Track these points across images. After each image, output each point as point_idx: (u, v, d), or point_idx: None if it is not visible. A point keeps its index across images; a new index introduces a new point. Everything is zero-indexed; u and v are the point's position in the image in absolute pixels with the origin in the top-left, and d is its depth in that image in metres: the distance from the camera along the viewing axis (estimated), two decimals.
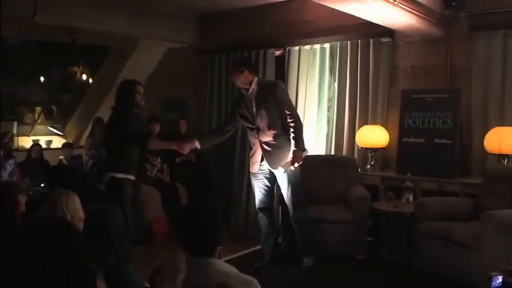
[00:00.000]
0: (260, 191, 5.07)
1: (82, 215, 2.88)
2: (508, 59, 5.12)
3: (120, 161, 4.44)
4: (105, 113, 8.62)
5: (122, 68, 8.20)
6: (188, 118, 7.29)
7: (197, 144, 4.79)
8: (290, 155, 4.84)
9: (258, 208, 5.15)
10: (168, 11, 6.65)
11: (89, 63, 8.77)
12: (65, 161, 7.63)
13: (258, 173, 5.02)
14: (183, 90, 7.56)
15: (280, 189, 5.05)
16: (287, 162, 4.82)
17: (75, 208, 2.88)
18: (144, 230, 5.92)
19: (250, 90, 4.85)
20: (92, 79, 8.91)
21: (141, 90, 4.48)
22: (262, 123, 4.83)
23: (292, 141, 4.82)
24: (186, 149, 4.70)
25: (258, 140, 4.89)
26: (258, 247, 5.58)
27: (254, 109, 4.85)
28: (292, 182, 4.90)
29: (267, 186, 5.05)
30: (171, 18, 6.85)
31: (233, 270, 2.15)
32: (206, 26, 7.23)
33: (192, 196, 6.48)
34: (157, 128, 6.91)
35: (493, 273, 1.88)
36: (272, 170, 4.92)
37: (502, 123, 5.08)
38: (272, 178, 5.01)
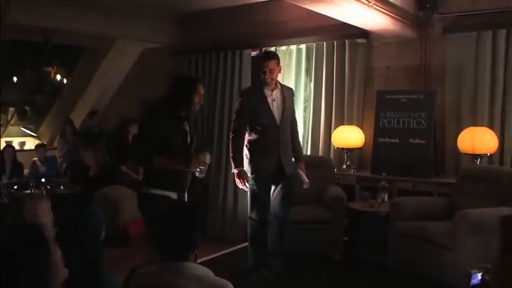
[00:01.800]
0: (266, 196, 4.69)
1: (49, 218, 2.79)
2: (480, 60, 5.18)
3: (156, 173, 3.75)
4: (80, 113, 8.59)
5: (97, 68, 8.13)
6: None
7: (205, 159, 3.88)
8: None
9: (265, 219, 4.69)
10: (144, 11, 6.60)
11: (64, 63, 8.66)
12: (38, 163, 7.50)
13: (268, 176, 4.66)
14: (160, 90, 7.48)
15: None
16: (305, 176, 4.72)
17: (39, 212, 2.78)
18: (119, 232, 5.86)
19: (275, 90, 4.63)
20: (67, 79, 8.80)
21: (202, 90, 3.95)
22: (285, 124, 4.68)
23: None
24: (193, 166, 3.79)
25: (277, 140, 4.61)
26: (235, 248, 5.58)
27: (282, 108, 4.63)
28: (294, 192, 4.79)
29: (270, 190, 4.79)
30: (147, 18, 6.80)
31: (208, 273, 2.14)
32: (183, 26, 7.20)
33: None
34: (134, 129, 6.83)
35: (472, 271, 1.89)
36: (286, 174, 4.66)
37: (475, 124, 5.14)
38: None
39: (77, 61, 8.57)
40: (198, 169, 3.78)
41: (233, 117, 4.75)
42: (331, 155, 5.95)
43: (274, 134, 4.59)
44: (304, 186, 4.68)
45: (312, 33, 6.01)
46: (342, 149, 5.76)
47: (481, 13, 5.15)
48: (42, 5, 5.66)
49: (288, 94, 4.75)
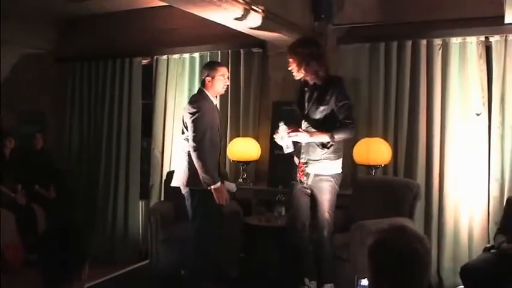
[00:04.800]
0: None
1: None
2: (374, 72, 5.48)
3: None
4: None
5: None
6: (46, 132, 7.03)
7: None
8: None
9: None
10: (23, 14, 6.38)
11: None
12: None
13: None
14: (41, 101, 7.28)
15: None
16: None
17: None
18: None
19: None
20: None
21: None
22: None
23: None
24: None
25: (220, 150, 4.77)
26: (124, 270, 5.51)
27: (219, 118, 4.81)
28: None
29: None
30: (25, 22, 6.57)
31: None
32: (67, 31, 7.05)
33: (51, 218, 6.26)
34: (11, 143, 6.59)
35: (359, 275, 2.05)
36: None
37: (370, 135, 5.41)
38: None
39: None
40: None
41: (193, 128, 4.41)
42: (227, 169, 6.04)
43: (219, 145, 4.69)
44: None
45: (206, 41, 6.10)
46: (238, 161, 5.87)
47: (373, 25, 5.46)
48: None
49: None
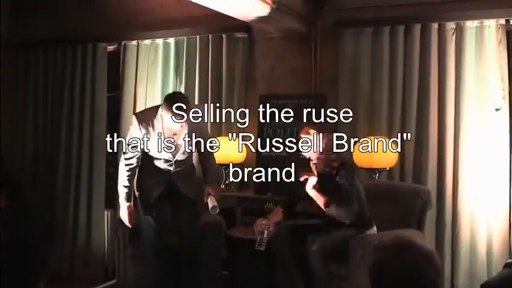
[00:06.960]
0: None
1: None
2: (377, 61, 5.44)
3: None
4: None
5: None
6: None
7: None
8: None
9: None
10: None
11: None
12: None
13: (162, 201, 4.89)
14: None
15: None
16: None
17: None
18: None
19: None
20: None
21: None
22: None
23: None
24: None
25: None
26: None
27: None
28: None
29: None
30: None
31: None
32: (18, 14, 6.93)
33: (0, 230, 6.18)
34: None
35: None
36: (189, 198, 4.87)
37: (372, 133, 5.38)
38: None
39: None
40: None
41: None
42: None
43: (169, 162, 4.74)
44: (211, 212, 4.72)
45: (182, 24, 6.05)
46: (220, 164, 5.80)
47: (377, 6, 5.43)
48: None
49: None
